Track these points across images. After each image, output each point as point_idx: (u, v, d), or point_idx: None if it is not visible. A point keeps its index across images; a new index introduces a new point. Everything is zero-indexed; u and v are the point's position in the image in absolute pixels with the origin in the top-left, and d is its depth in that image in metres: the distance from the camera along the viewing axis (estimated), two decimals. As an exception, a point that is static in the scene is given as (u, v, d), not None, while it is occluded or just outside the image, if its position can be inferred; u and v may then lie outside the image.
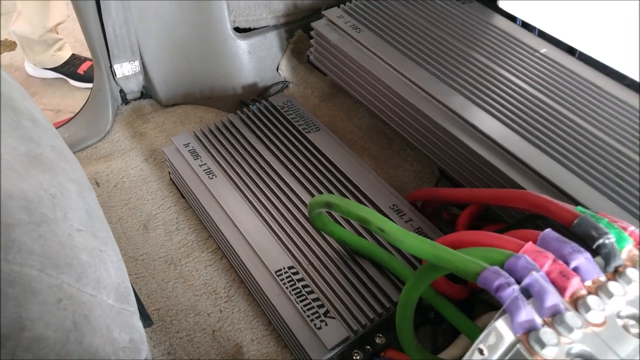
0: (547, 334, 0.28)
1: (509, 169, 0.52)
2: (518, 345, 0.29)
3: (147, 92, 0.81)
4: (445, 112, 0.57)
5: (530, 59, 0.62)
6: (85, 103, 0.79)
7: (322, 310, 0.47)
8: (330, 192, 0.57)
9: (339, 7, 0.69)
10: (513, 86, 0.58)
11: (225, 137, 0.64)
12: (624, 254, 0.35)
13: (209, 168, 0.60)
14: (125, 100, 0.80)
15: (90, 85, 1.23)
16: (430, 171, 0.67)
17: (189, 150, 0.62)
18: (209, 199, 0.57)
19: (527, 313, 0.29)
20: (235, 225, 0.54)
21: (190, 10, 0.73)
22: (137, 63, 0.76)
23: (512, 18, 0.69)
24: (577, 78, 0.59)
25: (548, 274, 0.32)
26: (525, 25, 0.68)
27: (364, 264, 0.50)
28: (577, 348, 0.29)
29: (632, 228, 0.37)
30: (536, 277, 0.31)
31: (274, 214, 0.55)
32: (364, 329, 0.46)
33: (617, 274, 0.34)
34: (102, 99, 0.77)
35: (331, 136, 0.64)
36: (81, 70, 1.27)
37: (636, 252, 0.36)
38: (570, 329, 0.29)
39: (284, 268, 0.50)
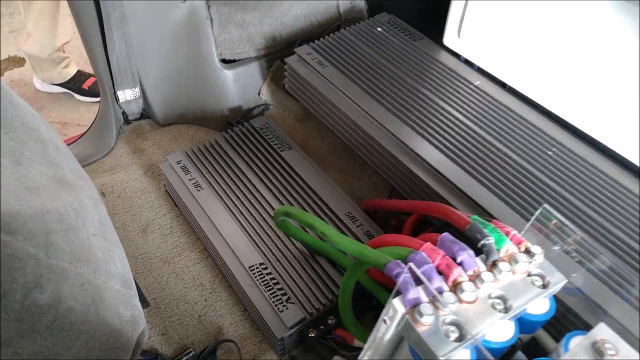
0: (425, 307, 0.39)
1: (439, 186, 0.63)
2: (407, 317, 0.40)
3: (146, 114, 0.92)
4: (391, 139, 0.69)
5: (465, 91, 0.74)
6: (92, 123, 0.91)
7: (284, 297, 0.58)
8: (297, 202, 0.69)
9: (308, 44, 0.81)
10: (449, 116, 0.70)
11: (212, 155, 0.75)
12: (502, 252, 0.47)
13: (197, 182, 0.71)
14: (127, 121, 0.91)
15: (94, 99, 1.36)
16: (385, 184, 0.79)
17: (180, 167, 0.74)
18: (196, 208, 0.69)
19: (414, 292, 0.40)
20: (218, 230, 0.66)
21: (184, 46, 0.85)
22: (137, 89, 0.88)
23: (457, 54, 0.80)
24: (504, 108, 0.71)
25: (437, 265, 0.44)
26: (467, 61, 0.79)
27: (320, 260, 0.62)
28: (449, 318, 0.40)
29: (514, 232, 0.49)
30: (426, 268, 0.42)
31: (249, 220, 0.66)
32: (317, 312, 0.58)
33: (493, 266, 0.45)
34: (107, 119, 0.89)
35: (301, 154, 0.76)
36: (86, 85, 1.38)
37: (514, 250, 0.47)
38: (446, 304, 0.41)
39: (256, 264, 0.62)
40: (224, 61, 0.88)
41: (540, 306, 0.47)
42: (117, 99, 0.87)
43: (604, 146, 0.65)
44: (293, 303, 0.58)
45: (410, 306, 0.40)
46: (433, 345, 0.38)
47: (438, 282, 0.42)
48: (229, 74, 0.88)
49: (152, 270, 0.70)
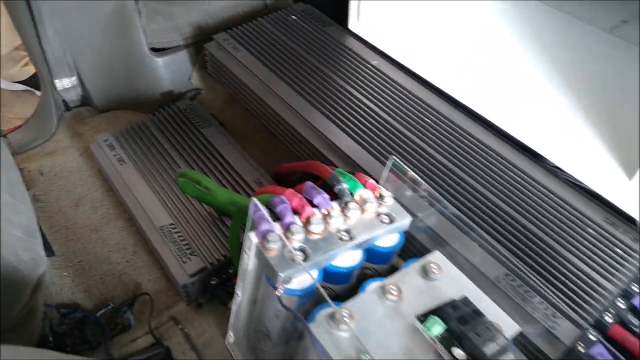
0: (272, 235, 0.47)
1: (329, 152, 0.71)
2: (258, 245, 0.47)
3: (85, 101, 0.99)
4: (293, 113, 0.76)
5: (363, 69, 0.81)
6: (35, 111, 0.97)
7: (189, 251, 0.66)
8: (211, 171, 0.76)
9: (226, 32, 0.88)
10: (344, 91, 0.78)
11: (137, 134, 0.82)
12: (356, 196, 0.54)
13: (121, 157, 0.78)
14: (67, 108, 0.98)
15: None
16: (295, 156, 0.86)
17: (107, 145, 0.81)
18: (119, 180, 0.76)
19: (265, 225, 0.48)
20: (135, 197, 0.73)
21: (115, 36, 0.92)
22: (74, 78, 0.94)
23: (361, 38, 0.88)
24: (395, 84, 0.79)
25: (294, 206, 0.51)
26: (368, 43, 0.87)
27: (223, 218, 0.69)
28: (297, 245, 0.48)
29: (371, 181, 0.56)
30: (282, 207, 0.50)
31: (163, 186, 0.73)
32: (218, 262, 0.65)
33: (345, 207, 0.53)
34: (48, 107, 0.95)
35: (220, 130, 0.83)
36: (46, 82, 1.44)
37: (368, 195, 0.55)
38: (294, 234, 0.48)
39: (166, 224, 0.69)
40: (154, 49, 0.95)
41: (390, 240, 0.55)
42: (55, 87, 0.94)
43: (470, 109, 0.73)
44: (196, 255, 0.65)
45: (262, 237, 0.48)
46: (276, 265, 0.46)
47: (290, 218, 0.49)
48: (159, 61, 0.95)
49: (80, 237, 0.76)
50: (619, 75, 0.74)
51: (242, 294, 0.53)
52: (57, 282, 0.70)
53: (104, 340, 0.63)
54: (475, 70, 0.75)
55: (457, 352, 0.41)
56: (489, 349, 0.41)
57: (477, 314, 0.45)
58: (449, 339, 0.42)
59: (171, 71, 0.97)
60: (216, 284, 0.65)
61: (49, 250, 0.65)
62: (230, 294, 0.65)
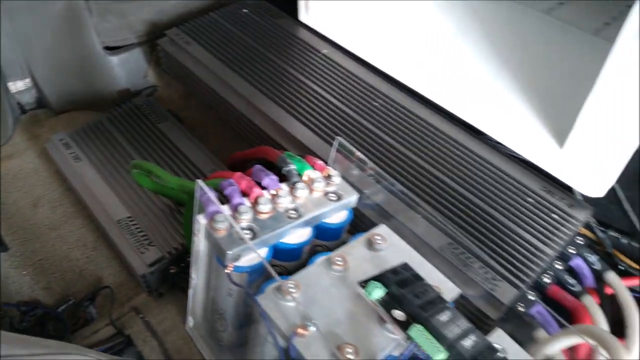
0: (219, 216, 0.48)
1: (281, 138, 0.73)
2: (206, 226, 0.49)
3: (41, 103, 0.98)
4: (247, 103, 0.78)
5: (313, 58, 0.83)
6: (-11, 116, 0.96)
7: (147, 242, 0.67)
8: (167, 163, 0.77)
9: (177, 27, 0.89)
10: (294, 79, 0.80)
11: (92, 131, 0.83)
12: (304, 177, 0.56)
13: (77, 154, 0.79)
14: (23, 111, 0.97)
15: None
16: (252, 146, 0.88)
17: (62, 143, 0.81)
18: (76, 177, 0.76)
19: (212, 207, 0.49)
20: (93, 192, 0.73)
21: (67, 36, 0.92)
22: (28, 80, 0.94)
23: (310, 28, 0.90)
24: (344, 70, 0.81)
25: (243, 188, 0.53)
26: (318, 33, 0.89)
27: (178, 207, 0.70)
28: (245, 224, 0.50)
29: (319, 162, 0.59)
30: (230, 189, 0.52)
31: (120, 181, 0.74)
32: (176, 251, 0.66)
33: (293, 187, 0.55)
34: (3, 111, 0.94)
35: (176, 124, 0.84)
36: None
37: (315, 175, 0.57)
38: (241, 214, 0.50)
39: (124, 217, 0.70)
40: (108, 48, 0.96)
41: (338, 217, 0.57)
42: (9, 90, 0.93)
43: (415, 91, 0.76)
44: (154, 246, 0.66)
45: (210, 218, 0.49)
46: (224, 244, 0.47)
47: (238, 199, 0.51)
48: (113, 60, 0.96)
49: (39, 236, 0.77)
50: (552, 55, 0.78)
51: (196, 277, 0.55)
52: (16, 281, 0.71)
53: (66, 334, 0.64)
54: (421, 55, 0.78)
55: (397, 313, 0.44)
56: (427, 308, 0.43)
57: (417, 277, 0.47)
58: (390, 302, 0.44)
59: (126, 69, 0.98)
60: (175, 273, 0.66)
61: (2, 245, 0.66)
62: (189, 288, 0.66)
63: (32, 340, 0.40)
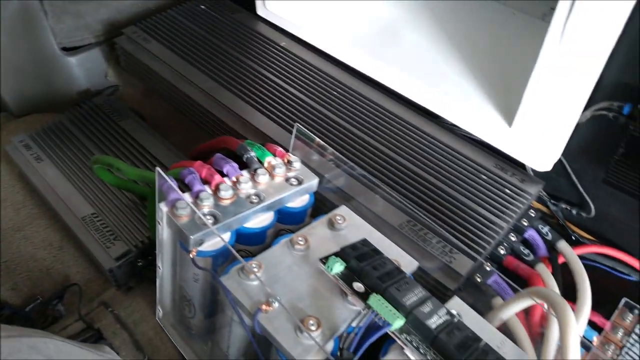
0: (181, 203, 0.49)
1: (245, 131, 0.74)
2: (168, 213, 0.50)
3: (0, 107, 0.97)
4: (206, 96, 0.79)
5: (272, 51, 0.85)
6: (-54, 121, 0.94)
7: (112, 237, 0.67)
8: (128, 158, 0.77)
9: (135, 25, 0.89)
10: (255, 72, 0.81)
11: (53, 132, 0.82)
12: (265, 164, 0.58)
13: (38, 155, 0.78)
14: (-19, 116, 0.96)
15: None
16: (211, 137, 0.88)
17: (23, 145, 0.80)
18: (38, 177, 0.76)
19: (173, 195, 0.50)
20: (55, 191, 0.73)
21: (22, 39, 0.90)
22: (-15, 83, 0.93)
23: (269, 22, 0.91)
24: (301, 60, 0.83)
25: (203, 176, 0.54)
26: (277, 27, 0.90)
27: (143, 202, 0.70)
28: (207, 210, 0.51)
29: (279, 149, 0.60)
30: (190, 177, 0.52)
31: (83, 179, 0.74)
32: (142, 245, 0.66)
33: (254, 173, 0.56)
34: (-41, 116, 0.93)
35: (137, 121, 0.84)
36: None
37: (276, 162, 0.58)
38: (203, 201, 0.51)
39: (88, 214, 0.70)
40: (65, 49, 0.95)
41: (300, 201, 0.58)
42: (-35, 94, 0.92)
43: (372, 79, 0.78)
44: (120, 240, 0.67)
45: (171, 206, 0.50)
46: (186, 229, 0.48)
47: (199, 186, 0.52)
48: (71, 60, 0.95)
49: (4, 238, 0.76)
50: (502, 40, 0.81)
51: (162, 266, 0.55)
52: (-19, 284, 0.70)
53: (35, 332, 0.64)
54: (375, 43, 0.80)
55: (357, 285, 0.45)
56: (385, 279, 0.45)
57: (375, 252, 0.49)
58: (349, 275, 0.46)
59: (85, 69, 0.97)
60: (143, 265, 0.66)
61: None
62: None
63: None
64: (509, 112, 0.65)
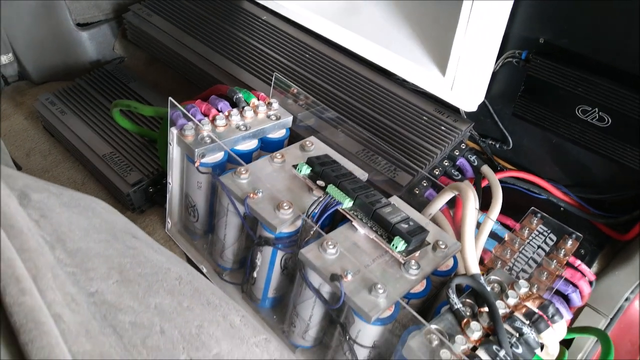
0: (188, 125, 0.63)
1: (232, 84, 0.88)
2: (177, 134, 0.63)
3: (22, 75, 1.09)
4: (205, 61, 0.92)
5: (257, 25, 0.98)
6: (-24, 87, 1.07)
7: (128, 168, 0.80)
8: (133, 114, 0.90)
9: (139, 2, 1.02)
10: (246, 43, 0.94)
11: (73, 90, 0.95)
12: (251, 104, 0.71)
13: (62, 109, 0.91)
14: (6, 82, 1.08)
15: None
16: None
17: (48, 101, 0.93)
18: (62, 126, 0.89)
19: (181, 120, 0.64)
20: (78, 136, 0.86)
21: (43, 16, 1.03)
22: (11, 54, 1.05)
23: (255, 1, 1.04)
24: (280, 31, 0.96)
25: (203, 111, 0.68)
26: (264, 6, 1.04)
27: (152, 143, 0.84)
28: (206, 133, 0.64)
29: (261, 94, 0.74)
30: (193, 110, 0.66)
31: (101, 126, 0.87)
32: (153, 175, 0.80)
33: (242, 110, 0.70)
34: (-12, 82, 1.05)
35: (143, 84, 0.97)
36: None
37: (259, 102, 0.72)
38: (203, 126, 0.64)
39: (107, 152, 0.83)
40: (79, 25, 1.07)
41: (279, 134, 0.72)
42: (-6, 64, 1.04)
43: (336, 43, 0.92)
44: (135, 171, 0.80)
45: (180, 129, 0.64)
46: (191, 144, 0.62)
47: (200, 116, 0.66)
48: (84, 34, 1.07)
49: (34, 176, 0.89)
50: (442, 6, 0.95)
51: (172, 181, 0.69)
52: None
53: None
54: (341, 14, 0.93)
55: (319, 182, 0.59)
56: (340, 177, 0.59)
57: (334, 162, 0.63)
58: (314, 176, 0.60)
59: (96, 43, 1.10)
60: (154, 191, 0.80)
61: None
62: (164, 196, 0.80)
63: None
64: (443, 65, 0.79)
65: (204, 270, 0.70)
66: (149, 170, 0.80)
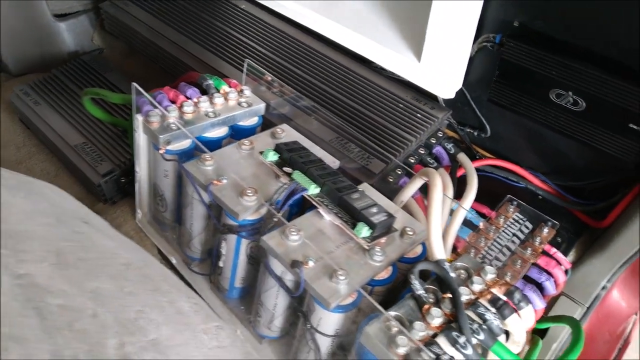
0: (153, 112, 0.61)
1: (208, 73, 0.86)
2: (142, 121, 0.62)
3: (0, 67, 1.07)
4: (180, 50, 0.90)
5: (235, 13, 0.96)
6: (-48, 80, 1.05)
7: (99, 159, 0.78)
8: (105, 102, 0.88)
9: (117, -9, 1.00)
10: (223, 32, 0.92)
11: (48, 81, 0.93)
12: (221, 91, 0.69)
13: (36, 100, 0.89)
14: (-17, 75, 1.06)
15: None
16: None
17: (23, 93, 0.91)
18: (35, 117, 0.87)
19: (147, 107, 0.62)
20: (52, 128, 0.84)
21: (20, 7, 1.01)
22: (-14, 46, 1.03)
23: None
24: (256, 18, 0.94)
25: (171, 97, 0.66)
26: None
27: (124, 133, 0.82)
28: (172, 119, 0.63)
29: (233, 81, 0.72)
30: (160, 96, 0.64)
31: (73, 116, 0.85)
32: (124, 165, 0.78)
33: (212, 97, 0.68)
34: (-36, 74, 1.03)
35: (120, 74, 0.95)
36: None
37: (230, 89, 0.70)
38: (170, 112, 0.62)
39: (79, 143, 0.81)
40: (56, 16, 1.05)
41: (250, 122, 0.70)
42: (-31, 56, 1.02)
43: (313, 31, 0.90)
44: (106, 161, 0.78)
45: (145, 115, 0.62)
46: (156, 131, 0.60)
47: (167, 103, 0.64)
48: (62, 25, 1.05)
49: (7, 168, 0.87)
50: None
51: (139, 169, 0.67)
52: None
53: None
54: (320, 3, 0.92)
55: (286, 168, 0.58)
56: (307, 164, 0.58)
57: (303, 149, 0.61)
58: (281, 162, 0.58)
59: (75, 34, 1.08)
60: (126, 182, 0.78)
61: None
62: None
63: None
64: (419, 51, 0.77)
65: (174, 262, 0.69)
66: (120, 160, 0.79)
